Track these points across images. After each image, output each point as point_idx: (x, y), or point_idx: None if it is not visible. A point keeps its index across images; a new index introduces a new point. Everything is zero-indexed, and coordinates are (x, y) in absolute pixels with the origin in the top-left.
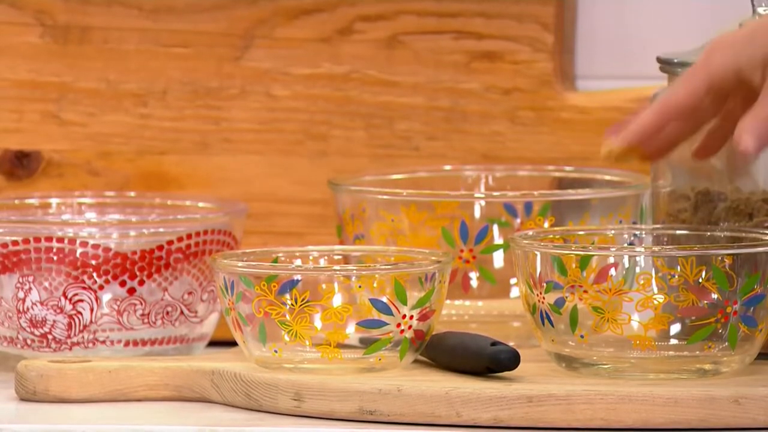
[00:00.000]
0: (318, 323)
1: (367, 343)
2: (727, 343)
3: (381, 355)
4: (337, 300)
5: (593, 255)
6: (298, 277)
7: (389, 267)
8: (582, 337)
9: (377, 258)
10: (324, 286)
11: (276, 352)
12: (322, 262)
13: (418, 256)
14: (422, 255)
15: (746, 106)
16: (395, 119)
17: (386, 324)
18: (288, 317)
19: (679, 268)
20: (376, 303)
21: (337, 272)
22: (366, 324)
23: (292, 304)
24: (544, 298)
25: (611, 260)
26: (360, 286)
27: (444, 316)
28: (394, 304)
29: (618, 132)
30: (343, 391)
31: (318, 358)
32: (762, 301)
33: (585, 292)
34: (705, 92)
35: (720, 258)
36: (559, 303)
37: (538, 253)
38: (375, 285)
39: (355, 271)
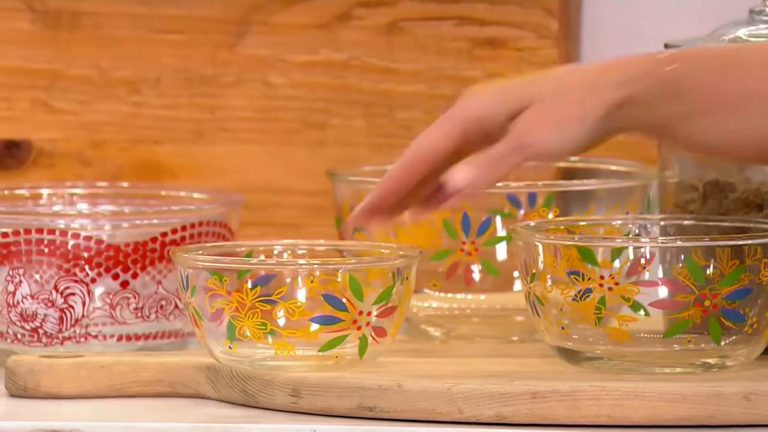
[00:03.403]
0: (272, 319)
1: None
2: (733, 338)
3: (338, 353)
4: (291, 295)
5: (599, 246)
6: (258, 271)
7: (340, 262)
8: (585, 329)
9: (352, 252)
10: (280, 281)
11: (230, 348)
12: (286, 257)
13: (384, 251)
14: (390, 250)
15: None
16: (395, 108)
17: (341, 320)
18: (240, 312)
19: (685, 259)
20: (329, 299)
21: (287, 267)
22: (319, 320)
23: (242, 299)
24: (547, 289)
25: (618, 252)
26: (312, 281)
27: (446, 310)
28: (348, 300)
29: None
30: (342, 386)
31: (272, 355)
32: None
33: (591, 283)
34: (460, 138)
35: (725, 250)
36: (566, 295)
37: (540, 244)
38: (339, 280)
39: (304, 266)
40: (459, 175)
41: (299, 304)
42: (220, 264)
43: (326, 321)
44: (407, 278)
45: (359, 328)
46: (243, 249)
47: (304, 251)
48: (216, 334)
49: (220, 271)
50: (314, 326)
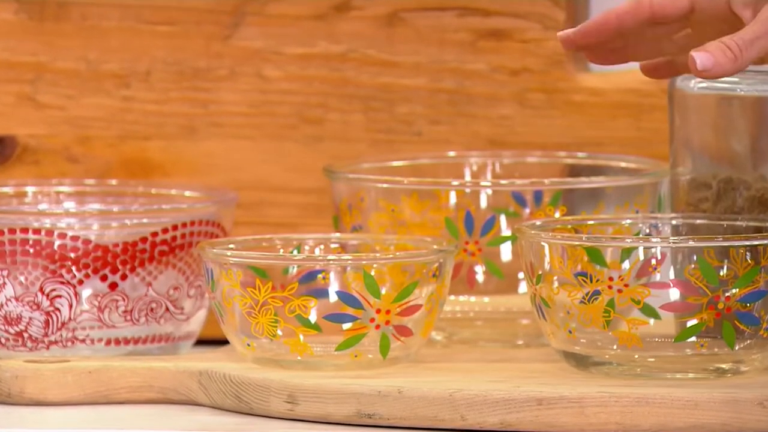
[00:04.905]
0: (286, 316)
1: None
2: (748, 342)
3: (356, 352)
4: (303, 292)
5: (608, 246)
6: (264, 266)
7: (352, 257)
8: (593, 333)
9: (375, 247)
10: (290, 276)
11: (249, 345)
12: (317, 252)
13: (420, 245)
14: (425, 244)
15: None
16: (396, 102)
17: (356, 318)
18: (254, 309)
19: (698, 260)
20: (343, 296)
21: (303, 262)
22: (332, 318)
23: (255, 295)
24: (553, 291)
25: (627, 252)
26: (324, 278)
27: (448, 313)
28: (364, 297)
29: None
30: (340, 392)
31: (288, 353)
32: None
33: (600, 285)
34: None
35: (740, 251)
36: (573, 297)
37: (546, 245)
38: (360, 276)
39: (320, 262)
40: (704, 57)
41: (311, 301)
42: (237, 259)
43: (340, 319)
44: (435, 275)
45: (378, 326)
46: (275, 243)
47: (336, 245)
48: (238, 332)
49: (251, 265)
50: (321, 323)
